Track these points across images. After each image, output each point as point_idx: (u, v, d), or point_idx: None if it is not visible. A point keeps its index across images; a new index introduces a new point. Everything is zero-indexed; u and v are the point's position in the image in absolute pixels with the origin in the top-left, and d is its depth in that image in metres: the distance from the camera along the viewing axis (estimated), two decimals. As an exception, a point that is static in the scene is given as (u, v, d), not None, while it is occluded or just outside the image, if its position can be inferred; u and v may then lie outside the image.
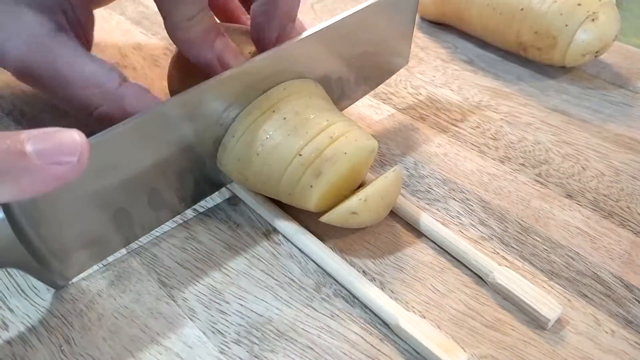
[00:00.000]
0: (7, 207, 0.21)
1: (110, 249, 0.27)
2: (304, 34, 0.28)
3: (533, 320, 0.24)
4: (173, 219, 0.29)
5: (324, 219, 0.27)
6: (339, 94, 0.33)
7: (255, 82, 0.27)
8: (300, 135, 0.26)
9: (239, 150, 0.26)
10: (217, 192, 0.31)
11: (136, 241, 0.28)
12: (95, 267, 0.27)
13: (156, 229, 0.29)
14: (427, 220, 0.28)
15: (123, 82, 0.27)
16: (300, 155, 0.25)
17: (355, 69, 0.33)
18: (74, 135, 0.18)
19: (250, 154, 0.26)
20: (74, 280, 0.26)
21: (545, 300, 0.24)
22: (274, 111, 0.26)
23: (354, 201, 0.26)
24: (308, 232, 0.28)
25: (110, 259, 0.27)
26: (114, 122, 0.23)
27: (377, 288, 0.25)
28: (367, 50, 0.33)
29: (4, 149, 0.17)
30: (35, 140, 0.18)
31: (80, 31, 0.30)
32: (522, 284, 0.25)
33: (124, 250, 0.28)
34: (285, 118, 0.26)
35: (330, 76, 0.31)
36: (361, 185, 0.28)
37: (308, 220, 0.29)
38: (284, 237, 0.28)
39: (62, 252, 0.24)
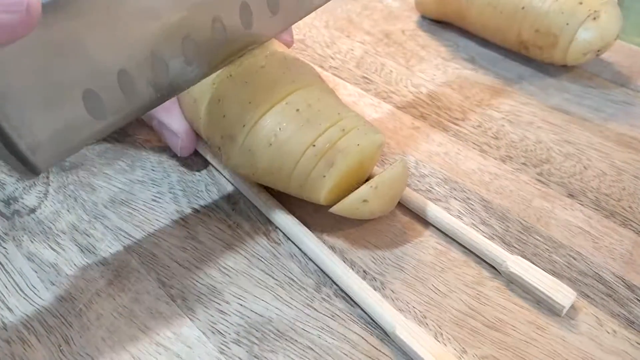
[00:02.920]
0: None
1: (82, 137, 0.24)
2: None
3: (547, 308, 0.25)
4: (172, 219, 0.29)
5: (335, 209, 0.27)
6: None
7: None
8: (314, 126, 0.26)
9: (251, 141, 0.26)
10: (216, 191, 0.31)
11: (134, 239, 0.28)
12: (94, 268, 0.27)
13: (156, 229, 0.29)
14: (437, 211, 0.29)
15: None
16: (314, 146, 0.26)
17: None
18: None
19: (263, 145, 0.26)
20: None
21: (559, 287, 0.25)
22: (286, 103, 0.26)
23: (364, 189, 0.26)
24: (309, 232, 0.27)
25: (110, 258, 0.27)
26: None
27: (375, 292, 0.25)
28: None
29: None
30: None
31: None
32: (535, 272, 0.25)
33: (122, 249, 0.27)
34: (298, 110, 0.26)
35: None
36: (368, 180, 0.28)
37: (310, 219, 0.29)
38: (284, 236, 0.28)
39: (27, 133, 0.22)
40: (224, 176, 0.32)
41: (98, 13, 0.22)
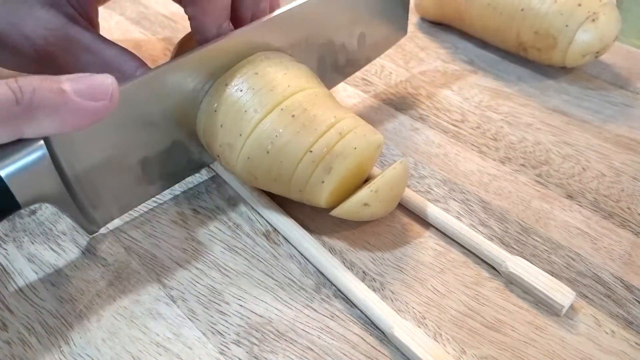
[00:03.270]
0: (48, 143, 0.23)
1: (135, 198, 0.29)
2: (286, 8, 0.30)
3: (547, 308, 0.25)
4: (173, 220, 0.29)
5: (335, 212, 0.27)
6: (335, 67, 0.35)
7: (239, 53, 0.28)
8: (310, 132, 0.26)
9: (248, 149, 0.26)
10: (217, 192, 0.31)
11: (134, 240, 0.28)
12: (95, 269, 0.27)
13: (156, 230, 0.29)
14: (437, 212, 0.29)
15: (142, 66, 0.28)
16: (311, 151, 0.26)
17: (345, 40, 0.35)
18: (106, 77, 0.22)
19: (260, 153, 0.26)
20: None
21: (558, 287, 0.25)
22: (282, 109, 0.26)
23: (365, 192, 0.26)
24: (307, 234, 0.27)
25: (110, 259, 0.27)
26: None
27: (373, 294, 0.25)
28: (359, 19, 0.34)
29: (46, 87, 0.20)
30: (73, 81, 0.21)
31: (89, 23, 0.30)
32: (535, 272, 0.25)
33: (123, 251, 0.28)
34: (293, 115, 0.26)
35: (330, 44, 0.33)
36: (367, 180, 0.28)
37: (309, 221, 0.29)
38: (284, 237, 0.28)
39: (92, 194, 0.26)
40: (223, 179, 0.32)
41: (148, 95, 0.26)
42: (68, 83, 0.21)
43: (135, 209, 0.30)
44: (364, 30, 0.35)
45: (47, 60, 0.28)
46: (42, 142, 0.23)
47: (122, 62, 0.28)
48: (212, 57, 0.27)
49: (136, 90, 0.26)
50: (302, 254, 0.27)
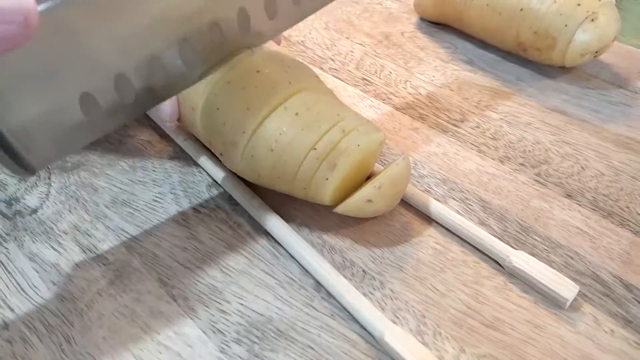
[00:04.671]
0: None
1: (78, 138, 0.24)
2: None
3: (550, 302, 0.25)
4: (173, 219, 0.29)
5: (339, 209, 0.27)
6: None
7: None
8: (314, 129, 0.26)
9: (252, 147, 0.27)
10: (217, 192, 0.31)
11: (135, 239, 0.28)
12: (96, 268, 0.27)
13: (157, 229, 0.29)
14: (440, 207, 0.29)
15: None
16: (315, 149, 0.26)
17: None
18: None
19: (264, 151, 0.26)
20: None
21: (561, 280, 0.25)
22: (285, 108, 0.26)
23: (369, 189, 0.26)
24: (300, 238, 0.27)
25: (111, 258, 0.27)
26: None
27: (365, 299, 0.25)
28: None
29: None
30: None
31: None
32: (538, 267, 0.26)
33: (124, 250, 0.28)
34: (297, 114, 0.26)
35: None
36: (369, 177, 0.28)
37: (309, 220, 0.29)
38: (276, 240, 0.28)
39: (23, 133, 0.22)
40: (217, 182, 0.31)
41: (95, 17, 0.22)
42: None
43: (135, 208, 0.30)
44: None
45: None
46: None
47: None
48: None
49: (72, 13, 0.21)
50: (292, 256, 0.27)
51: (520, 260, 0.26)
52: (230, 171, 0.31)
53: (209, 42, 0.26)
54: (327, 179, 0.26)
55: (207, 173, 0.32)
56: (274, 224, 0.28)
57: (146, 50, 0.24)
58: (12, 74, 0.21)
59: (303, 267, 0.27)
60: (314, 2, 0.31)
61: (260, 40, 0.29)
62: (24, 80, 0.22)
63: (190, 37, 0.25)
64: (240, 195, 0.30)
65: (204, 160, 0.32)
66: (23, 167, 0.23)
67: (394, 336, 0.23)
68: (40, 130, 0.23)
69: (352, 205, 0.27)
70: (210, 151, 0.32)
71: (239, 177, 0.30)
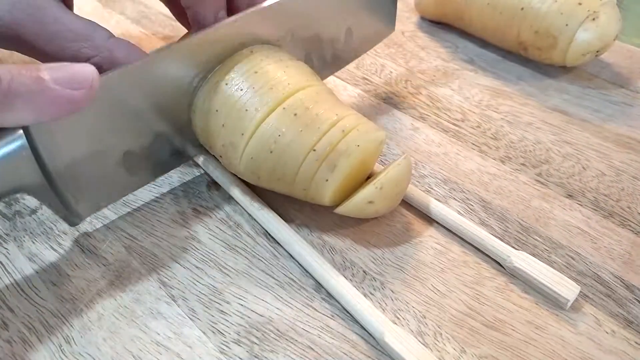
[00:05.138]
0: (27, 133, 0.23)
1: (119, 190, 0.28)
2: None
3: (551, 303, 0.25)
4: (173, 219, 0.29)
5: (340, 210, 0.27)
6: (323, 62, 0.35)
7: (233, 43, 0.28)
8: (313, 130, 0.26)
9: (251, 149, 0.26)
10: (217, 192, 0.31)
11: (135, 239, 0.28)
12: (95, 269, 0.27)
13: (156, 229, 0.29)
14: (441, 207, 0.29)
15: (112, 36, 0.27)
16: (315, 150, 0.26)
17: (333, 35, 0.34)
18: (86, 66, 0.21)
19: (263, 152, 0.26)
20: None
21: (562, 281, 0.25)
22: (284, 108, 0.26)
23: (370, 190, 0.26)
24: (300, 238, 0.27)
25: (111, 259, 0.27)
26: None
27: (365, 299, 0.24)
28: (347, 13, 0.34)
29: (24, 74, 0.20)
30: (52, 69, 0.21)
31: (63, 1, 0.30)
32: (539, 267, 0.26)
33: (123, 250, 0.28)
34: (295, 114, 0.26)
35: (317, 38, 0.33)
36: (369, 177, 0.28)
37: (309, 220, 0.29)
38: (276, 240, 0.28)
39: (74, 186, 0.26)
40: (217, 183, 0.31)
41: (131, 89, 0.26)
42: (47, 71, 0.20)
43: (135, 208, 0.30)
44: (351, 25, 0.35)
45: (15, 34, 0.27)
46: (21, 131, 0.22)
47: (92, 30, 0.27)
48: (202, 45, 0.27)
49: (121, 79, 0.25)
50: (292, 257, 0.27)
51: (521, 260, 0.26)
52: (231, 172, 0.31)
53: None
54: (327, 180, 0.26)
55: (207, 174, 0.32)
56: (274, 224, 0.28)
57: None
58: (69, 132, 0.24)
59: (303, 268, 0.27)
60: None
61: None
62: (79, 138, 0.25)
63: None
64: (240, 196, 0.29)
65: (204, 161, 0.32)
66: (72, 214, 0.27)
67: (395, 337, 0.23)
68: (89, 183, 0.26)
69: (352, 206, 0.27)
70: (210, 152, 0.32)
71: (239, 178, 0.30)
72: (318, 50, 0.34)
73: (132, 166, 0.28)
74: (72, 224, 0.27)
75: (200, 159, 0.32)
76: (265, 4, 0.30)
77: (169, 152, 0.30)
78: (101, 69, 0.26)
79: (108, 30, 0.28)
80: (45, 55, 0.28)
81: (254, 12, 0.29)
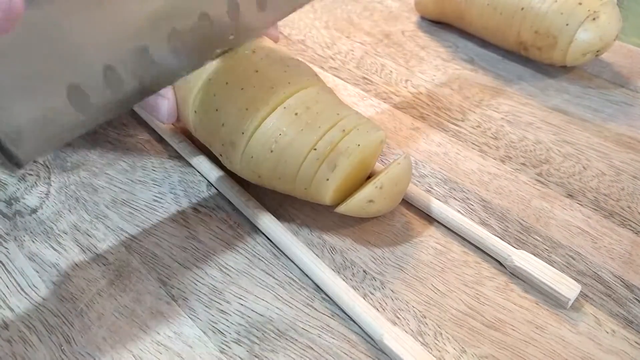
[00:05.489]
0: None
1: (66, 130, 0.24)
2: None
3: (551, 303, 0.25)
4: (173, 219, 0.29)
5: (341, 209, 0.27)
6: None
7: None
8: (314, 130, 0.26)
9: (252, 148, 0.26)
10: (217, 192, 0.31)
11: (135, 239, 0.28)
12: (96, 268, 0.27)
13: (157, 229, 0.29)
14: (442, 206, 0.29)
15: None
16: (315, 149, 0.26)
17: None
18: None
19: (264, 151, 0.26)
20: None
21: (563, 280, 0.25)
22: (285, 107, 0.26)
23: (370, 189, 0.26)
24: (296, 240, 0.27)
25: (111, 258, 0.27)
26: None
27: (363, 301, 0.24)
28: None
29: None
30: None
31: None
32: (540, 266, 0.26)
33: (124, 249, 0.28)
34: (296, 114, 0.26)
35: None
36: (370, 176, 0.28)
37: (309, 220, 0.29)
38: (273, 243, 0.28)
39: (9, 126, 0.22)
40: (212, 184, 0.31)
41: (82, 6, 0.22)
42: None
43: (135, 208, 0.30)
44: None
45: None
46: None
47: None
48: None
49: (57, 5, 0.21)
50: (290, 259, 0.27)
51: (522, 259, 0.26)
52: (226, 173, 0.31)
53: (199, 33, 0.26)
54: (327, 179, 0.26)
55: (202, 175, 0.32)
56: (271, 226, 0.28)
57: (134, 41, 0.24)
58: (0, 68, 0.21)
59: (301, 269, 0.27)
60: None
61: (252, 33, 0.28)
62: (9, 69, 0.21)
63: (180, 28, 0.25)
64: (235, 197, 0.29)
65: (200, 162, 0.32)
66: (11, 160, 0.22)
67: (394, 338, 0.23)
68: (27, 122, 0.22)
69: (353, 205, 0.27)
70: (207, 153, 0.32)
71: (235, 179, 0.30)
72: None
73: (80, 102, 0.23)
74: (12, 170, 0.24)
75: (195, 161, 0.32)
76: None
77: (122, 87, 0.24)
78: None
79: None
80: None
81: None
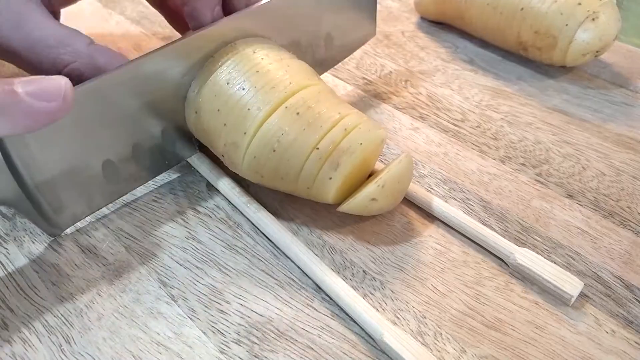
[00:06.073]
0: (2, 145, 0.23)
1: (100, 200, 0.28)
2: None
3: (555, 298, 0.25)
4: (173, 219, 0.29)
5: (343, 208, 0.27)
6: (310, 61, 0.34)
7: (225, 40, 0.29)
8: (316, 129, 0.26)
9: (254, 148, 0.26)
10: (217, 192, 0.31)
11: (135, 239, 0.28)
12: (95, 268, 0.27)
13: (156, 229, 0.29)
14: (443, 204, 0.29)
15: (92, 43, 0.28)
16: (318, 148, 0.26)
17: (322, 35, 0.35)
18: (59, 79, 0.21)
19: (267, 151, 0.26)
20: (68, 231, 0.28)
21: (566, 277, 0.25)
22: (286, 107, 0.26)
23: (372, 187, 0.26)
24: (296, 240, 0.27)
25: (111, 258, 0.27)
26: (84, 80, 0.25)
27: (363, 300, 0.24)
28: (326, 19, 0.35)
29: None
30: (25, 83, 0.21)
31: (48, 4, 0.30)
32: (542, 264, 0.26)
33: (123, 250, 0.28)
34: (298, 113, 0.26)
35: (300, 41, 0.34)
36: (371, 175, 0.28)
37: (309, 220, 0.29)
38: (273, 243, 0.28)
39: (53, 197, 0.26)
40: (212, 184, 0.31)
41: (113, 97, 0.26)
42: (20, 84, 0.21)
43: (135, 208, 0.30)
44: (331, 31, 0.35)
45: None
46: None
47: (73, 37, 0.27)
48: (188, 46, 0.28)
49: (103, 86, 0.25)
50: (289, 259, 0.27)
51: (525, 257, 0.26)
52: (226, 173, 0.31)
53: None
54: (330, 178, 0.26)
55: (202, 175, 0.32)
56: (271, 226, 0.28)
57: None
58: (46, 144, 0.24)
59: (301, 269, 0.27)
60: None
61: None
62: (56, 150, 0.25)
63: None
64: (236, 197, 0.29)
65: (200, 162, 0.32)
66: (53, 227, 0.27)
67: (394, 338, 0.23)
68: (68, 194, 0.26)
69: (355, 204, 0.27)
70: (207, 154, 0.32)
71: (235, 179, 0.30)
72: (299, 56, 0.33)
73: (113, 174, 0.28)
74: (53, 235, 0.27)
75: (195, 162, 0.32)
76: (253, 7, 0.30)
77: (151, 158, 0.29)
78: (82, 76, 0.27)
79: (90, 38, 0.28)
80: (27, 62, 0.28)
81: (248, 12, 0.30)
